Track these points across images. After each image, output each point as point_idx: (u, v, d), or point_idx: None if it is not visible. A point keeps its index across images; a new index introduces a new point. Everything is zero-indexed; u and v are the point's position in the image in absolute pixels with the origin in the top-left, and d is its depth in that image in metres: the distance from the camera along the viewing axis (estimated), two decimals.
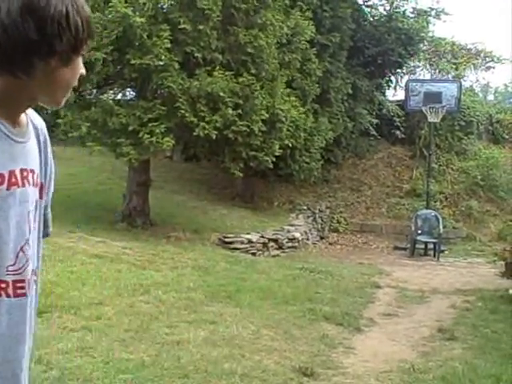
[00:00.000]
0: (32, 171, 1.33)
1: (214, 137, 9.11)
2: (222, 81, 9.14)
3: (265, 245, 10.35)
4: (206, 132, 9.00)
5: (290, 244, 11.06)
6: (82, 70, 1.32)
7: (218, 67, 9.31)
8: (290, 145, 10.88)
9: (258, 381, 4.10)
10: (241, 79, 9.44)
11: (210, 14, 9.02)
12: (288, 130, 10.60)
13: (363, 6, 15.66)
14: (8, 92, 1.21)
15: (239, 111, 9.38)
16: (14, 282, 1.28)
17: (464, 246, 13.24)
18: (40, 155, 1.37)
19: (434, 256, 12.07)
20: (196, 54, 9.16)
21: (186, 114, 8.88)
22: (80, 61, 1.28)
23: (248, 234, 10.27)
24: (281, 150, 10.49)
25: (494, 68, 20.25)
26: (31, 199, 1.32)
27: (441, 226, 12.35)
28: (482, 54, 19.95)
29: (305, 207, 13.35)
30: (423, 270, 10.83)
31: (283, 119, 10.24)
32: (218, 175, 13.71)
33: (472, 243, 13.46)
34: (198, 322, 5.22)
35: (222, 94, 9.09)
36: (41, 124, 1.40)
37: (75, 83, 1.33)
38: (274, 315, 5.85)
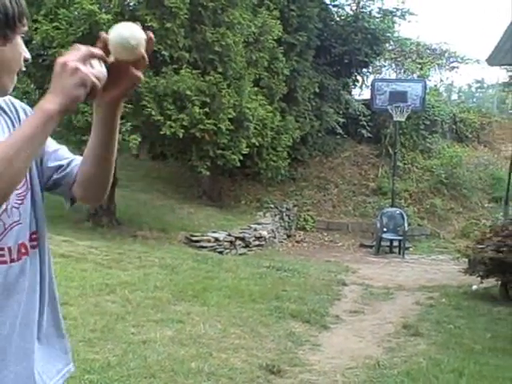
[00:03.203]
0: None
1: (181, 135, 9.08)
2: (188, 79, 9.12)
3: (232, 243, 10.35)
4: (173, 130, 8.97)
5: (257, 242, 11.08)
6: (26, 54, 1.35)
7: (185, 65, 9.29)
8: (257, 143, 10.92)
9: (224, 379, 4.11)
10: (208, 78, 9.43)
11: (177, 11, 8.99)
12: (255, 129, 10.64)
13: (330, 6, 15.77)
14: None
15: (206, 110, 9.37)
16: None
17: (428, 243, 13.45)
18: (11, 128, 1.39)
19: (399, 253, 12.23)
20: (163, 52, 9.12)
21: (153, 113, 8.85)
22: (20, 42, 1.31)
23: (215, 232, 10.26)
24: (248, 149, 10.53)
25: (457, 68, 20.62)
26: None
27: (406, 224, 12.51)
28: (446, 54, 20.26)
29: (272, 205, 13.39)
30: (389, 267, 10.97)
31: (250, 118, 10.27)
32: (185, 174, 13.66)
33: (436, 240, 13.68)
34: (165, 321, 5.21)
35: (188, 92, 9.07)
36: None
37: (19, 66, 1.35)
38: (241, 313, 5.86)
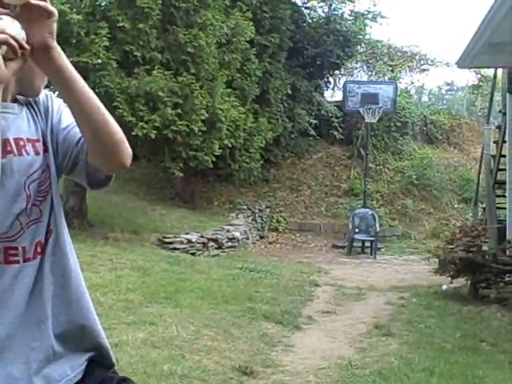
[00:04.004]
0: (30, 140, 1.34)
1: (154, 136, 9.04)
2: (161, 80, 9.08)
3: (204, 245, 10.31)
4: (145, 132, 8.92)
5: (229, 244, 11.06)
6: None
7: (157, 66, 9.25)
8: (230, 145, 10.92)
9: (197, 381, 4.09)
10: (180, 79, 9.40)
11: (149, 12, 8.95)
12: (228, 130, 10.63)
13: (302, 8, 15.85)
14: None
15: (179, 111, 9.34)
16: (6, 248, 1.30)
17: (400, 244, 13.59)
18: (36, 121, 1.39)
19: (371, 254, 12.33)
20: (135, 53, 9.07)
21: (125, 114, 8.78)
22: None
23: (187, 233, 10.21)
24: (221, 150, 10.52)
25: (428, 70, 20.87)
26: (33, 168, 1.34)
27: (377, 225, 12.62)
28: (416, 57, 20.49)
29: (244, 207, 13.39)
30: (360, 267, 11.06)
31: (223, 119, 10.27)
32: (157, 175, 13.59)
33: (407, 241, 13.84)
34: (137, 324, 5.17)
35: (161, 93, 9.03)
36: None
37: None
38: (213, 315, 5.86)
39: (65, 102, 1.32)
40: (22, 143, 1.33)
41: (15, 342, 1.32)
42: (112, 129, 1.33)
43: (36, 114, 1.39)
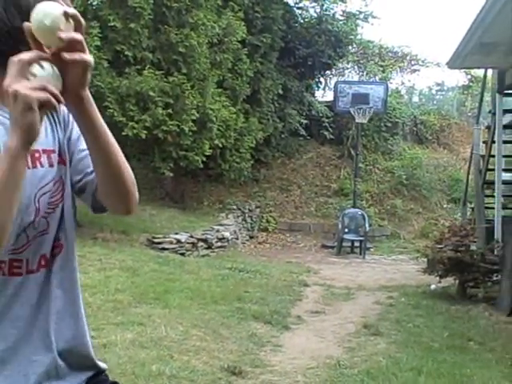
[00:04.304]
0: (45, 151, 1.32)
1: (144, 136, 9.04)
2: (152, 80, 9.08)
3: (194, 245, 10.29)
4: (136, 132, 8.92)
5: (219, 244, 11.04)
6: None
7: (148, 66, 9.25)
8: (221, 145, 10.93)
9: (186, 381, 4.10)
10: (171, 78, 9.41)
11: (141, 12, 8.96)
12: (218, 130, 10.64)
13: (294, 8, 15.87)
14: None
15: (169, 111, 9.34)
16: (11, 260, 1.30)
17: (389, 244, 13.62)
18: (54, 130, 1.37)
19: (360, 254, 12.36)
20: (126, 53, 9.07)
21: (115, 114, 8.78)
22: None
23: (177, 234, 10.19)
24: (211, 150, 10.52)
25: (418, 71, 20.93)
26: (45, 181, 1.32)
27: (367, 225, 12.65)
28: (407, 57, 20.55)
29: (234, 207, 13.37)
30: (350, 267, 11.08)
31: (214, 119, 10.27)
32: (147, 175, 13.55)
33: (396, 241, 13.87)
34: (126, 324, 5.17)
35: (151, 93, 9.03)
36: None
37: None
38: (202, 315, 5.86)
39: (87, 146, 1.28)
40: (37, 155, 1.30)
41: (16, 355, 1.32)
42: (126, 181, 1.31)
43: (55, 122, 1.37)
